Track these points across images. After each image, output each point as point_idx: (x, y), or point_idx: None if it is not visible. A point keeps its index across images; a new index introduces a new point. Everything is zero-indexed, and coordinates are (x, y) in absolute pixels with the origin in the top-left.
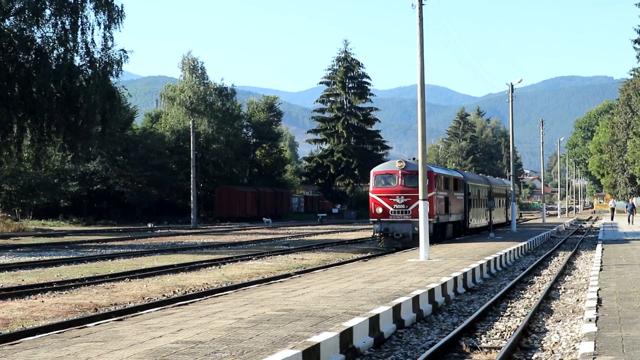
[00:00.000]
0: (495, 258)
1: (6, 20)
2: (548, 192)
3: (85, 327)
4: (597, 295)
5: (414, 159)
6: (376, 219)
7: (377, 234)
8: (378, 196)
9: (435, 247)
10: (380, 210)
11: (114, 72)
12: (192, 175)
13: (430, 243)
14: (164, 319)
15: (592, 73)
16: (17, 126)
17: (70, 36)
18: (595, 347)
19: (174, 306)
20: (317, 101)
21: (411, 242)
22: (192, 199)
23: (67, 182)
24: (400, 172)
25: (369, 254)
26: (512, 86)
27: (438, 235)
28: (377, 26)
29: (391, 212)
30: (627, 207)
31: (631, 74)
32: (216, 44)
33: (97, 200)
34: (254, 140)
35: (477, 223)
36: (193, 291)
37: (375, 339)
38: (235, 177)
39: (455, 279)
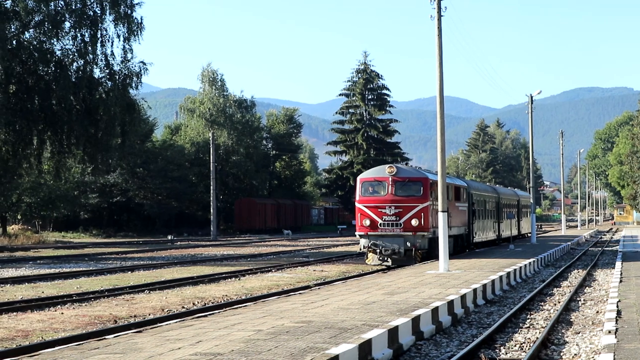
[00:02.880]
0: (515, 270)
1: (26, 32)
2: (568, 203)
3: (105, 339)
4: (617, 306)
5: (406, 163)
6: (363, 233)
7: (364, 250)
8: (365, 206)
9: (453, 260)
10: (367, 222)
11: (133, 85)
12: (212, 187)
13: (423, 261)
14: (183, 330)
15: (612, 84)
16: (37, 138)
17: (89, 48)
18: (614, 359)
19: (193, 318)
20: (336, 113)
21: (403, 258)
22: (212, 210)
23: (87, 194)
24: (390, 179)
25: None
26: (531, 97)
27: (435, 251)
28: (397, 38)
29: (380, 224)
30: None
31: None
32: (236, 56)
33: (117, 212)
34: (274, 152)
35: (483, 237)
36: (212, 303)
37: (394, 350)
38: (255, 189)
39: (475, 290)
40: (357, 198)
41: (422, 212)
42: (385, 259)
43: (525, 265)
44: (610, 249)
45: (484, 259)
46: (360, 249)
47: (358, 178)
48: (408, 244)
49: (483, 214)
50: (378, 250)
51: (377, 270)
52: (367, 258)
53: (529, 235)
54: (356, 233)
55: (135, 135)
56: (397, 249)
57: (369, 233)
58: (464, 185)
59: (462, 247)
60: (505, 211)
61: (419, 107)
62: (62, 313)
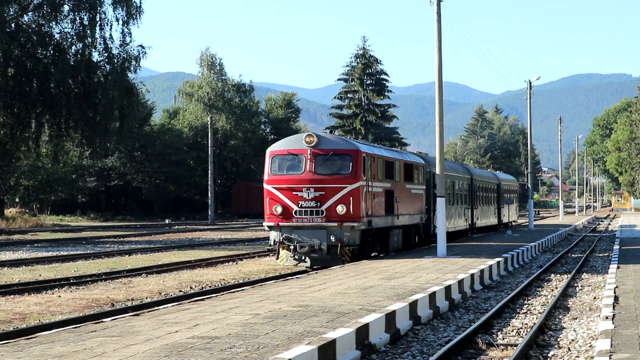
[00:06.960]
0: (513, 255)
1: (25, 15)
2: (566, 189)
3: (102, 322)
4: (614, 292)
5: (330, 131)
6: (273, 223)
7: (275, 245)
8: (275, 188)
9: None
10: (279, 209)
11: (132, 68)
12: (209, 171)
13: (354, 260)
14: (180, 314)
15: (611, 71)
16: (36, 122)
17: (88, 32)
18: (611, 345)
19: (190, 301)
20: (335, 98)
21: (325, 257)
22: (209, 195)
23: (85, 177)
24: (309, 151)
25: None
26: (530, 83)
27: (375, 247)
28: (396, 23)
29: (295, 212)
30: None
31: None
32: (234, 40)
33: (115, 196)
34: (272, 136)
35: (450, 226)
36: (210, 287)
37: (392, 335)
38: (253, 173)
39: (472, 275)
40: (266, 177)
41: (351, 195)
42: (303, 257)
43: (523, 250)
44: (607, 234)
45: (482, 243)
46: (270, 245)
47: (268, 150)
48: (332, 238)
49: (450, 199)
50: (292, 247)
51: (375, 255)
52: (278, 256)
53: (513, 223)
54: (264, 223)
55: (133, 119)
56: (317, 245)
57: (280, 224)
58: (420, 163)
59: (420, 240)
60: (481, 196)
61: (417, 93)
62: (59, 296)
